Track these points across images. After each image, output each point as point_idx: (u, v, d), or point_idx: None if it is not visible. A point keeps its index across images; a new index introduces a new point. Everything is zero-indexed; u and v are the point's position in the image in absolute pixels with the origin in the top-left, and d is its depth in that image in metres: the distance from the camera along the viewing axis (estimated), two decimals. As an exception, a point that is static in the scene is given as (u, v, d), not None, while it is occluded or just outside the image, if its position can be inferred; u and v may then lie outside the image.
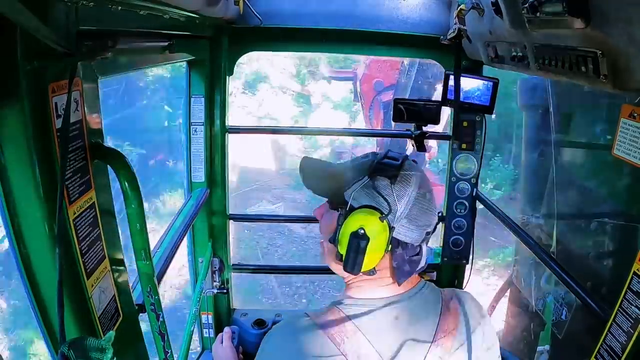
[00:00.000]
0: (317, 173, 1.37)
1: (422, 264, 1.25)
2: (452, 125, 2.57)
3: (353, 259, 1.16)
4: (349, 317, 1.19)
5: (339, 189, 1.24)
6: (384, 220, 1.15)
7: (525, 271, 3.46)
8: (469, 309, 1.29)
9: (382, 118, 9.94)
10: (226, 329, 1.96)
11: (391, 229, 1.16)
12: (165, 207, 11.22)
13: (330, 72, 12.08)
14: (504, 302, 4.29)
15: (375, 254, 1.16)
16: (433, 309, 1.25)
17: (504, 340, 4.10)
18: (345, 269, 1.18)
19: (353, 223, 1.16)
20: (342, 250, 1.17)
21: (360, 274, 1.19)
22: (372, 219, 1.15)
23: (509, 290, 4.15)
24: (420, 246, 1.23)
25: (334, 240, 1.21)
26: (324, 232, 1.30)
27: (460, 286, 2.77)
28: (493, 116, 3.02)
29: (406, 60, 8.74)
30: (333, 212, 1.26)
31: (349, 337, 1.16)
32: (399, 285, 1.23)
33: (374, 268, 1.20)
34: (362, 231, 1.14)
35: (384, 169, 1.20)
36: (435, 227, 1.26)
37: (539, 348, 3.47)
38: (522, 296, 3.77)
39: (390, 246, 1.18)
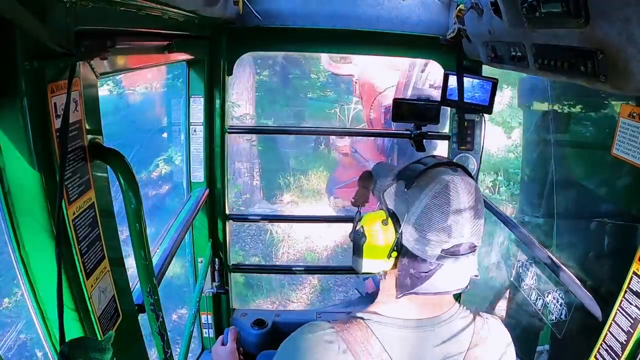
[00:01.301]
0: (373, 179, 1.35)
1: (437, 287, 1.12)
2: (450, 125, 2.57)
3: (355, 256, 1.18)
4: (377, 336, 1.12)
5: (369, 187, 1.28)
6: (387, 224, 1.13)
7: (525, 271, 3.47)
8: (498, 340, 1.22)
9: (382, 122, 9.73)
10: (232, 329, 1.94)
11: (399, 234, 1.11)
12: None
13: (330, 67, 11.80)
14: (503, 302, 4.29)
15: (375, 256, 1.14)
16: (463, 338, 1.16)
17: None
18: (352, 265, 1.20)
19: (361, 222, 1.17)
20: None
21: (394, 292, 1.15)
22: (376, 220, 1.14)
23: (508, 290, 4.15)
24: (437, 263, 1.10)
25: (351, 233, 1.22)
26: None
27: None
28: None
29: (407, 60, 8.67)
30: None
31: (373, 356, 1.10)
32: (397, 298, 1.14)
33: (382, 273, 1.18)
34: (361, 229, 1.15)
35: (406, 173, 1.15)
36: (457, 247, 1.09)
37: (539, 348, 3.47)
38: (522, 296, 3.77)
39: (396, 254, 1.13)
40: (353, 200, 1.30)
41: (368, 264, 1.16)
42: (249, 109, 11.27)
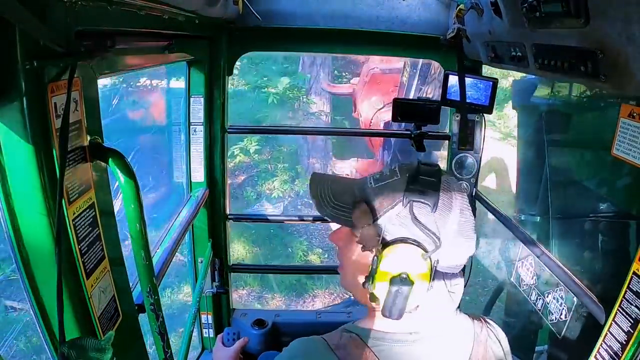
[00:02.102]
0: (331, 196, 1.13)
1: (462, 290, 1.11)
2: (450, 125, 2.57)
3: (393, 305, 1.01)
4: (376, 354, 1.06)
5: (364, 218, 1.05)
6: (427, 258, 1.00)
7: (525, 270, 3.47)
8: (497, 341, 1.20)
9: (380, 143, 9.29)
10: (244, 338, 1.95)
11: (434, 262, 1.03)
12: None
13: (327, 86, 11.85)
14: (503, 302, 4.30)
15: (417, 295, 1.01)
16: (464, 342, 1.14)
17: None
18: (383, 314, 1.04)
19: (393, 264, 1.00)
20: (379, 294, 1.02)
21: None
22: (416, 259, 0.99)
23: (508, 290, 4.16)
24: (461, 273, 1.10)
25: (367, 281, 1.04)
26: (347, 264, 1.14)
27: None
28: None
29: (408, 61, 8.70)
30: (359, 244, 1.07)
31: None
32: (443, 319, 1.11)
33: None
34: (405, 276, 0.99)
35: (420, 190, 1.01)
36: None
37: (538, 348, 3.48)
38: (521, 295, 3.78)
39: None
40: (355, 237, 1.08)
41: (409, 305, 1.03)
42: (325, 107, 11.64)
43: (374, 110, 9.42)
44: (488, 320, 1.24)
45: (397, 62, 9.37)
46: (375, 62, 9.98)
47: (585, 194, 3.22)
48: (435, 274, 1.04)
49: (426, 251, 1.00)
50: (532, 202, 3.67)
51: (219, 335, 2.08)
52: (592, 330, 1.58)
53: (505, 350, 1.22)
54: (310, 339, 1.11)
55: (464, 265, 1.10)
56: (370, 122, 9.39)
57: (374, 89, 9.69)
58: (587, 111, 3.33)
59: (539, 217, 3.54)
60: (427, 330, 1.09)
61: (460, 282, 1.09)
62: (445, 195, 1.02)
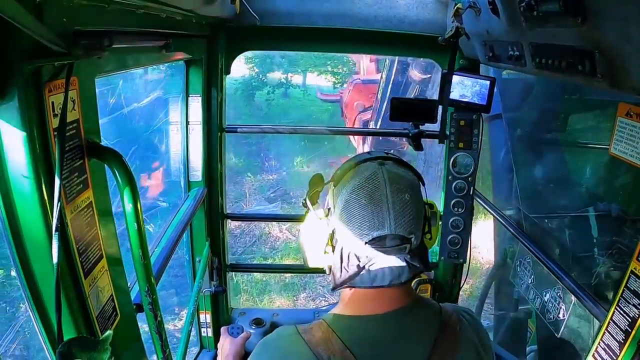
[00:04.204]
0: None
1: (372, 280, 1.12)
2: (449, 124, 2.56)
3: (302, 252, 1.29)
4: (336, 334, 1.14)
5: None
6: (320, 220, 1.22)
7: (523, 269, 3.49)
8: (471, 329, 1.22)
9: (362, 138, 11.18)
10: (244, 334, 2.01)
11: (333, 229, 1.17)
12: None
13: (320, 95, 14.34)
14: (500, 300, 4.31)
15: (314, 249, 1.23)
16: (428, 328, 1.17)
17: (495, 337, 4.13)
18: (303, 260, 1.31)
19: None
20: None
21: (346, 290, 1.21)
22: (310, 216, 1.25)
23: (500, 287, 4.21)
24: (365, 256, 1.11)
25: None
26: None
27: (458, 284, 2.78)
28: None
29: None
30: None
31: (336, 355, 1.10)
32: (333, 290, 1.18)
33: (327, 268, 1.23)
34: (300, 225, 1.29)
35: (336, 171, 1.22)
36: (382, 240, 1.09)
37: (533, 346, 3.50)
38: (516, 293, 3.80)
39: (331, 248, 1.19)
40: (303, 201, 1.31)
41: (312, 259, 1.26)
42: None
43: (356, 113, 11.94)
44: (465, 309, 1.28)
45: (376, 75, 12.07)
46: (358, 75, 13.48)
47: (545, 192, 3.54)
48: (337, 245, 1.16)
49: (318, 215, 1.22)
50: (506, 198, 3.98)
51: (224, 328, 2.10)
52: (589, 328, 1.59)
53: (481, 339, 1.23)
54: (284, 327, 1.23)
55: (374, 255, 1.12)
56: (354, 121, 11.89)
57: (356, 95, 12.33)
58: (546, 117, 3.65)
59: (512, 210, 3.76)
60: (387, 314, 1.16)
61: (357, 264, 1.12)
62: (349, 175, 1.15)
